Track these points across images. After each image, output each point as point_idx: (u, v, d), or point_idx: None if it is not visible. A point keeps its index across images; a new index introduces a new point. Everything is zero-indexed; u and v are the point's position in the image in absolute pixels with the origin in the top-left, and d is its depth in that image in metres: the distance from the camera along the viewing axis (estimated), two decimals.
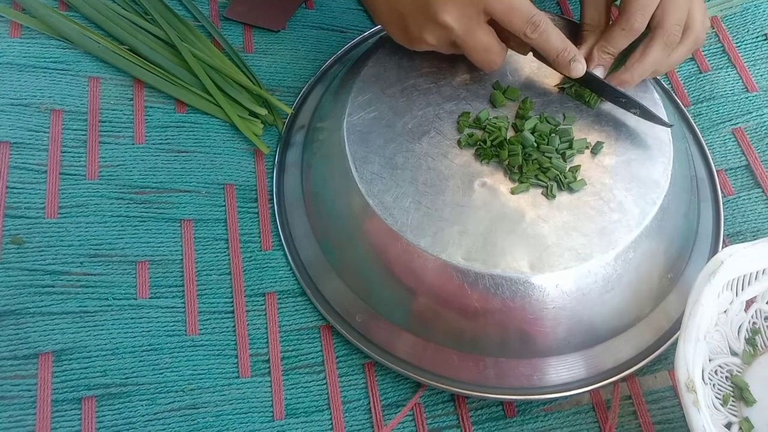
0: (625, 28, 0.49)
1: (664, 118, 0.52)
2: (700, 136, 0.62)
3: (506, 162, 0.50)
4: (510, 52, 0.52)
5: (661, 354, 0.52)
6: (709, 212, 0.58)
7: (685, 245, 0.55)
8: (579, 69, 0.50)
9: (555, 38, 0.48)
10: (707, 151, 0.61)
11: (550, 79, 0.54)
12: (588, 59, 0.52)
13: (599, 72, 0.52)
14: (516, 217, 0.48)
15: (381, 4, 0.50)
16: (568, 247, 0.47)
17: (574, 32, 0.55)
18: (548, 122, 0.52)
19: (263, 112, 0.60)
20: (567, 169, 0.50)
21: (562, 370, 0.51)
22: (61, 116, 0.56)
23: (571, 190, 0.49)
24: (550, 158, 0.50)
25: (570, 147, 0.50)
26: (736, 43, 0.66)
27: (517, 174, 0.49)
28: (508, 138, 0.50)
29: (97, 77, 0.59)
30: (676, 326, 0.53)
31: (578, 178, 0.49)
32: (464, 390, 0.50)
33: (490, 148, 0.50)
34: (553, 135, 0.50)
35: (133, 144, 0.57)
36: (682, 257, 0.54)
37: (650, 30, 0.50)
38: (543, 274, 0.47)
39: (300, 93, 0.62)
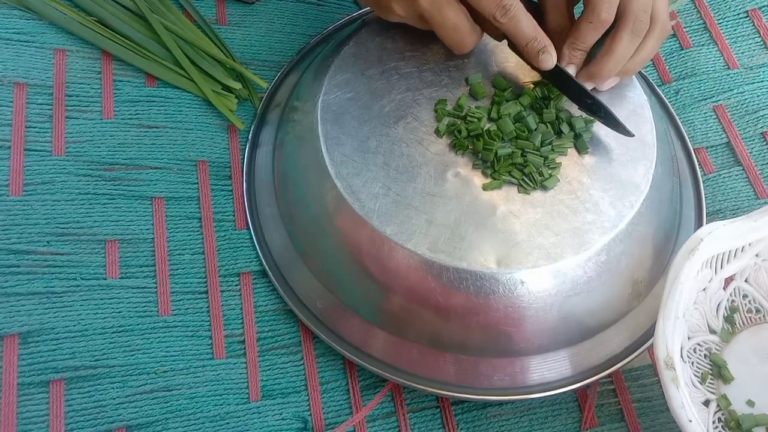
0: (593, 20, 0.47)
1: (627, 128, 0.49)
2: (676, 116, 0.61)
3: (479, 155, 0.48)
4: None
5: (628, 363, 0.51)
6: (690, 196, 0.58)
7: (664, 249, 0.53)
8: (548, 61, 0.48)
9: (526, 25, 0.47)
10: (684, 132, 0.60)
11: (534, 73, 0.52)
12: (559, 58, 0.49)
13: (571, 71, 0.50)
14: (487, 211, 0.47)
15: None
16: (538, 245, 0.46)
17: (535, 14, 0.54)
18: (534, 116, 0.50)
19: (237, 86, 0.58)
20: (543, 163, 0.48)
21: (524, 371, 0.49)
22: (25, 90, 0.54)
23: (544, 188, 0.48)
24: (526, 155, 0.48)
25: (552, 150, 0.49)
26: (718, 19, 0.66)
27: (489, 169, 0.48)
28: (486, 129, 0.49)
29: (63, 49, 0.56)
30: (645, 337, 0.52)
31: (552, 176, 0.48)
32: (418, 385, 0.49)
33: (465, 139, 0.48)
34: (534, 132, 0.49)
35: (101, 119, 0.55)
36: (660, 262, 0.53)
37: (616, 20, 0.48)
38: (509, 271, 0.45)
39: (280, 69, 0.60)
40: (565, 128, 0.49)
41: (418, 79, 0.51)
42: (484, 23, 0.48)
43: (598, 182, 0.49)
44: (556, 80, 0.51)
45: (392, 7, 0.47)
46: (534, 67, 0.50)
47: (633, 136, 0.49)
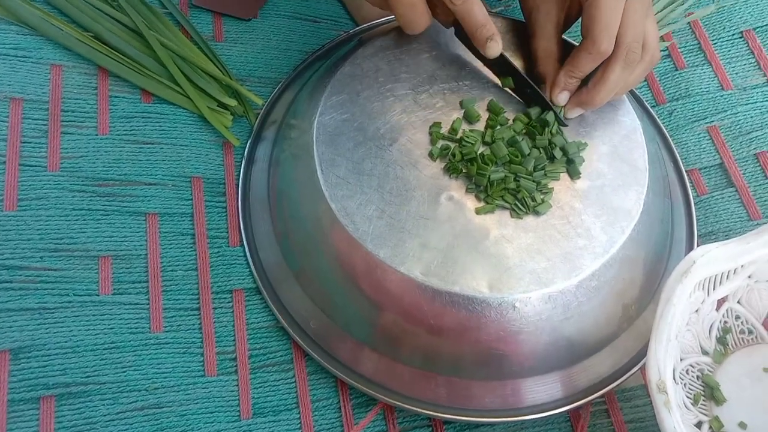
0: (592, 51, 0.48)
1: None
2: (669, 137, 0.61)
3: (473, 179, 0.48)
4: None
5: (619, 385, 0.51)
6: (681, 217, 0.58)
7: (654, 272, 0.53)
8: (495, 48, 0.49)
9: (478, 12, 0.48)
10: (677, 153, 0.61)
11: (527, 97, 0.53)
12: (554, 84, 0.51)
13: (564, 96, 0.50)
14: (479, 235, 0.47)
15: None
16: (530, 270, 0.46)
17: (522, 33, 0.54)
18: (527, 141, 0.50)
19: (233, 103, 0.58)
20: (536, 188, 0.48)
21: (516, 393, 0.49)
22: (20, 105, 0.54)
23: (537, 213, 0.48)
24: (519, 180, 0.48)
25: (545, 175, 0.49)
26: (713, 40, 0.66)
27: (483, 193, 0.48)
28: (480, 153, 0.49)
29: (60, 65, 0.57)
30: (635, 359, 0.52)
31: (545, 201, 0.48)
32: (409, 406, 0.49)
33: (458, 162, 0.49)
34: (528, 156, 0.49)
35: (96, 135, 0.55)
36: (650, 285, 0.53)
37: None
38: (501, 295, 0.45)
39: (276, 86, 0.61)
40: (557, 153, 0.49)
41: (413, 101, 0.52)
42: (434, 8, 0.49)
43: (590, 207, 0.49)
44: (501, 69, 0.52)
45: None
46: (479, 56, 0.51)
47: (567, 125, 0.51)
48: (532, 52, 0.52)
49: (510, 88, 0.52)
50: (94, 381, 0.47)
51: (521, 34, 0.55)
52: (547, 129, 0.50)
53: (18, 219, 0.50)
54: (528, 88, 0.51)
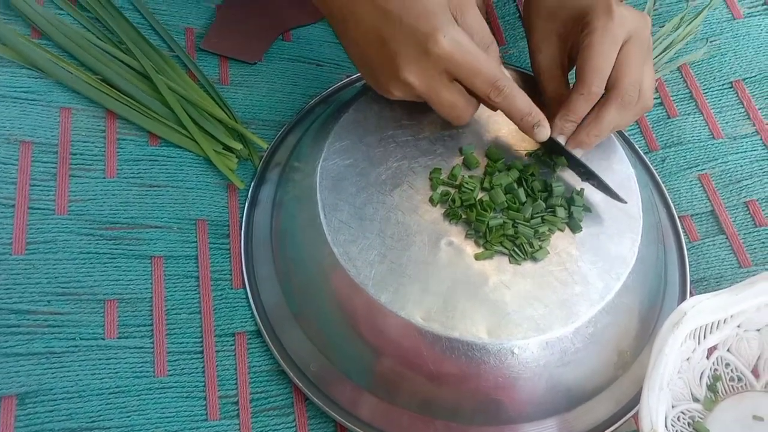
0: (584, 93, 0.50)
1: (620, 194, 0.51)
2: (662, 183, 0.63)
3: (472, 225, 0.50)
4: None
5: (614, 431, 0.52)
6: (675, 263, 0.59)
7: (649, 318, 0.54)
8: (543, 133, 0.50)
9: (520, 101, 0.48)
10: (669, 200, 0.62)
11: (527, 143, 0.54)
12: (551, 128, 0.51)
13: (561, 140, 0.52)
14: (479, 281, 0.48)
15: (354, 56, 0.50)
16: (528, 317, 0.47)
17: (533, 87, 0.55)
18: (524, 189, 0.51)
19: (238, 146, 0.59)
20: (533, 234, 0.49)
21: None
22: (30, 148, 0.55)
23: (534, 259, 0.49)
24: (517, 226, 0.49)
25: (542, 222, 0.50)
26: (703, 89, 0.68)
27: (482, 239, 0.49)
28: (479, 199, 0.50)
29: (69, 108, 0.58)
30: (631, 404, 0.53)
31: (542, 247, 0.49)
32: None
33: (458, 208, 0.50)
34: (525, 204, 0.50)
35: (104, 178, 0.56)
36: (645, 330, 0.54)
37: (605, 91, 0.51)
38: (500, 341, 0.46)
39: (280, 129, 0.62)
40: (560, 212, 0.51)
41: (414, 148, 0.53)
42: (479, 97, 0.50)
43: (586, 254, 0.50)
44: (551, 149, 0.53)
45: (390, 89, 0.49)
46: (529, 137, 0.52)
47: (626, 202, 0.52)
48: (542, 96, 0.54)
49: (564, 165, 0.53)
50: (99, 426, 0.48)
51: (524, 84, 0.56)
52: (546, 180, 0.51)
53: (26, 263, 0.51)
54: (581, 167, 0.52)
